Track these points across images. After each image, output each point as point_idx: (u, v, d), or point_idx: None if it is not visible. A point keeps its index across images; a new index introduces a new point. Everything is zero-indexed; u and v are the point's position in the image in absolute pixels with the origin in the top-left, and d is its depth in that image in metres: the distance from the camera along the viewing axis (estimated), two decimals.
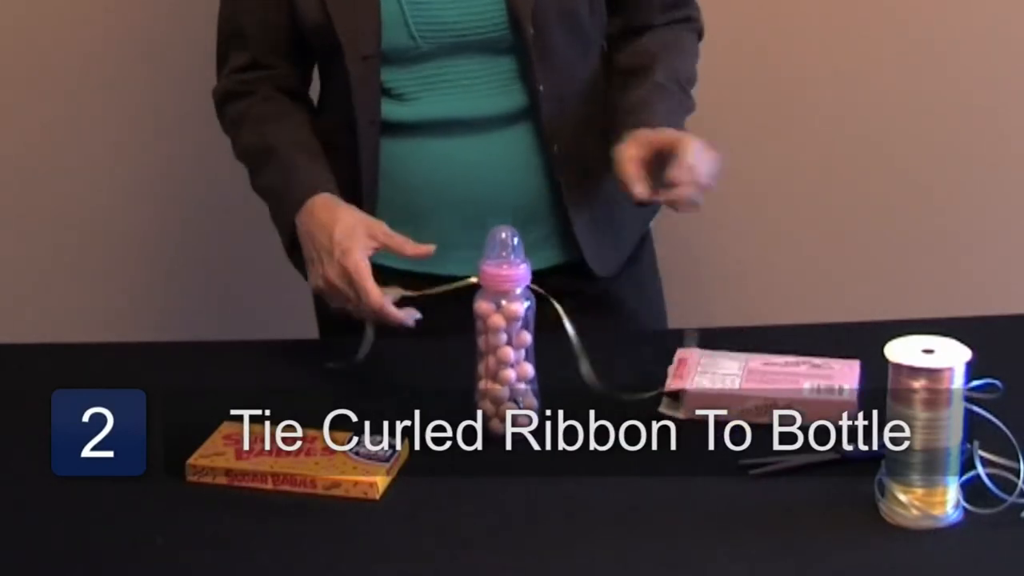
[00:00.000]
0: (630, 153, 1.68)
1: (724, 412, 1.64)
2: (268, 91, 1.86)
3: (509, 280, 1.59)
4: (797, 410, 1.62)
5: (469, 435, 1.63)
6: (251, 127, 1.84)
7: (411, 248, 1.70)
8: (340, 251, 1.68)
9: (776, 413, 1.61)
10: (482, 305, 1.61)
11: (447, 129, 1.82)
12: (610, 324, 1.96)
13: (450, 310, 1.64)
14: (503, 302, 1.60)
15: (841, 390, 1.63)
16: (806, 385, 1.65)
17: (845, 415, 1.60)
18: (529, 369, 1.63)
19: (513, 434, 1.63)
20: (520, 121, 1.82)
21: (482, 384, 1.63)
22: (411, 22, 1.77)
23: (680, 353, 1.75)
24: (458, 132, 1.82)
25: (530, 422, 1.63)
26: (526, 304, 1.61)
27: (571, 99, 1.84)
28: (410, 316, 1.68)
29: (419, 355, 1.83)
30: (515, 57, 1.80)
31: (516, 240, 1.60)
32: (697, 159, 1.65)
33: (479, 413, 1.63)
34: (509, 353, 1.61)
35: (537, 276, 1.63)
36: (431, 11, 1.77)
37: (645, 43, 1.86)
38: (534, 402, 1.64)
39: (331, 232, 1.70)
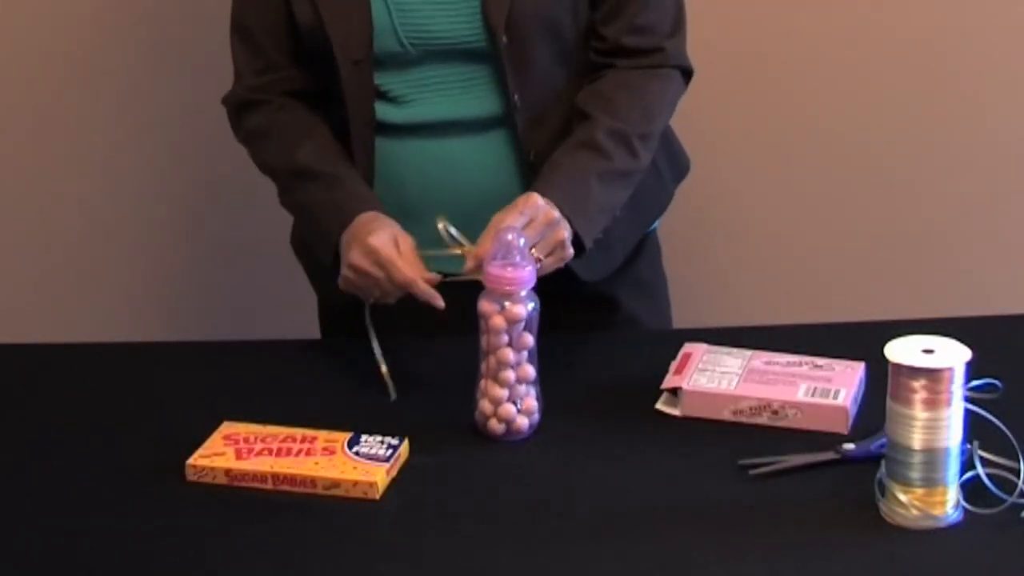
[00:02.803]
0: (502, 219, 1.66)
1: (719, 412, 1.64)
2: (282, 100, 1.86)
3: (513, 282, 1.59)
4: (791, 412, 1.62)
5: (469, 435, 1.64)
6: (277, 144, 1.84)
7: (422, 286, 1.66)
8: (366, 235, 1.68)
9: (773, 414, 1.62)
10: (485, 305, 1.61)
11: (438, 130, 1.83)
12: (609, 326, 1.95)
13: (455, 308, 1.64)
14: (506, 304, 1.60)
15: (836, 394, 1.63)
16: (802, 387, 1.65)
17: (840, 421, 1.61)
18: (530, 371, 1.63)
19: (513, 434, 1.63)
20: (499, 126, 1.83)
21: (482, 384, 1.63)
22: (399, 29, 1.78)
23: (686, 347, 1.75)
24: (447, 133, 1.83)
25: (529, 423, 1.63)
26: (530, 306, 1.61)
27: (550, 108, 1.83)
28: (436, 299, 1.65)
29: (420, 354, 1.83)
30: (495, 65, 1.81)
31: (523, 242, 1.60)
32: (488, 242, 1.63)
33: (478, 413, 1.63)
34: (509, 354, 1.61)
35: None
36: (417, 19, 1.78)
37: (602, 85, 1.83)
38: (533, 404, 1.63)
39: (363, 235, 1.69)
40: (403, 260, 1.67)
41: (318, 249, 1.79)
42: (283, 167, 1.84)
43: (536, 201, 1.68)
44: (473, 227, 1.67)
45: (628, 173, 1.81)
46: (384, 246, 1.67)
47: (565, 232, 1.68)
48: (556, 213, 1.68)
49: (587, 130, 1.79)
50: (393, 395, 1.72)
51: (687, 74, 1.89)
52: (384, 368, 1.73)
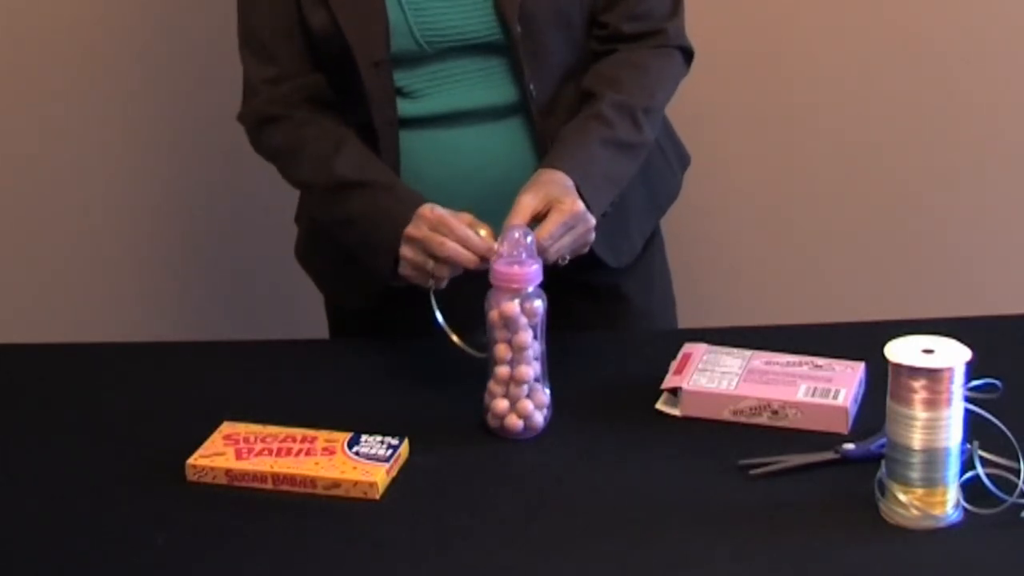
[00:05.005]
0: (526, 201, 1.67)
1: (719, 412, 1.65)
2: (302, 113, 1.83)
3: (519, 279, 1.59)
4: (791, 412, 1.62)
5: (469, 435, 1.63)
6: (310, 160, 1.82)
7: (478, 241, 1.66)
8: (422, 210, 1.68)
9: (773, 414, 1.62)
10: (488, 302, 1.61)
11: (454, 120, 1.83)
12: (618, 319, 1.96)
13: (462, 307, 1.65)
14: (512, 301, 1.60)
15: (836, 394, 1.63)
16: (802, 387, 1.65)
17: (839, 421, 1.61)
18: (526, 371, 1.62)
19: (507, 431, 1.62)
20: (515, 114, 1.84)
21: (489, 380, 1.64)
22: (415, 29, 1.78)
23: (686, 348, 1.75)
24: (463, 122, 1.83)
25: (524, 425, 1.63)
26: (536, 303, 1.61)
27: (563, 95, 1.84)
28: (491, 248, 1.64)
29: (420, 354, 1.83)
30: (509, 57, 1.81)
31: (529, 239, 1.60)
32: (551, 236, 1.64)
33: (484, 407, 1.64)
34: (502, 351, 1.61)
35: (547, 265, 1.63)
36: (432, 17, 1.79)
37: (605, 66, 1.85)
38: (528, 407, 1.63)
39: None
40: (459, 223, 1.65)
41: (374, 259, 1.75)
42: (321, 182, 1.81)
43: (577, 208, 1.67)
44: (493, 215, 1.66)
45: (632, 145, 1.82)
46: (438, 214, 1.65)
47: (592, 221, 1.69)
48: (581, 205, 1.68)
49: (592, 105, 1.81)
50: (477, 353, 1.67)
51: (688, 55, 1.91)
52: (456, 340, 1.68)
